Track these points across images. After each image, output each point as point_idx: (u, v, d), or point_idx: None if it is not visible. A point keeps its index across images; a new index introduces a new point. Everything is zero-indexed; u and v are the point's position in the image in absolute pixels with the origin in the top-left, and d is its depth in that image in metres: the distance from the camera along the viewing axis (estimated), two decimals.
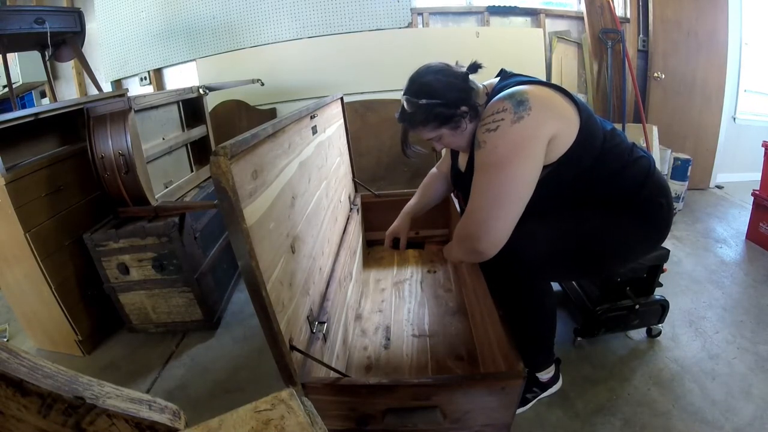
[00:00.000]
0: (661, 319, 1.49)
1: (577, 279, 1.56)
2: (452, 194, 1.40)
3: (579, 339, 1.51)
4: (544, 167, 0.97)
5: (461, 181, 1.26)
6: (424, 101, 1.02)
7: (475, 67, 1.05)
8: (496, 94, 1.00)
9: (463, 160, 1.27)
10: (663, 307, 1.46)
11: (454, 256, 1.18)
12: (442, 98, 1.02)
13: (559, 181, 1.01)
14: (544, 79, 2.89)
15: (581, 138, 0.97)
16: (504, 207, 0.94)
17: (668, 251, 1.39)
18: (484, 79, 1.12)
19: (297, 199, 1.14)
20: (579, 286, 1.57)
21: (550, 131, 0.94)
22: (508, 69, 1.14)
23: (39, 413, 0.42)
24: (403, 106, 1.08)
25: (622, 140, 1.08)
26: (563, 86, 1.02)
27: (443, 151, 1.50)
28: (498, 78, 1.13)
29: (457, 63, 1.10)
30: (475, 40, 2.86)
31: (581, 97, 3.00)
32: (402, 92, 1.08)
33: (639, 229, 1.08)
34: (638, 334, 1.55)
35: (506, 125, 0.92)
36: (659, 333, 1.52)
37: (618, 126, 2.64)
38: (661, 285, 1.50)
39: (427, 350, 1.41)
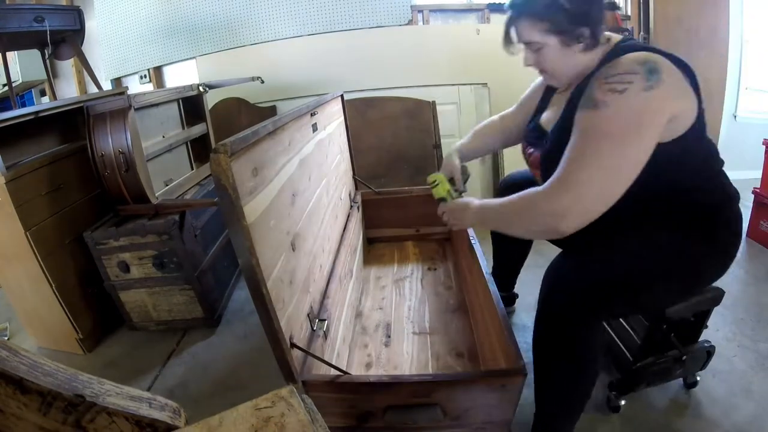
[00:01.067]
0: (704, 366, 1.27)
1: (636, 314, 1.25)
2: (527, 154, 1.16)
3: (614, 394, 1.24)
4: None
5: (541, 140, 1.08)
6: None
7: (613, 5, 0.96)
8: (619, 51, 0.88)
9: (550, 118, 1.09)
10: (709, 353, 1.25)
11: (503, 226, 0.98)
12: (572, 3, 0.87)
13: (658, 167, 0.85)
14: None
15: (696, 125, 0.87)
16: (610, 184, 0.81)
17: (722, 292, 1.13)
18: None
19: (297, 197, 1.14)
20: (617, 335, 1.32)
21: (675, 109, 0.82)
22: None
23: (39, 411, 0.42)
24: None
25: (716, 151, 0.98)
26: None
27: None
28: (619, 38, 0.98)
29: None
30: (476, 38, 2.84)
31: None
32: None
33: (708, 261, 0.96)
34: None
35: (635, 90, 0.78)
36: (696, 383, 1.29)
37: None
38: (707, 327, 1.24)
39: (427, 347, 1.41)
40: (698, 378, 1.29)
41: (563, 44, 0.91)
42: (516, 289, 1.73)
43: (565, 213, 0.82)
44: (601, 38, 0.92)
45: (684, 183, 0.91)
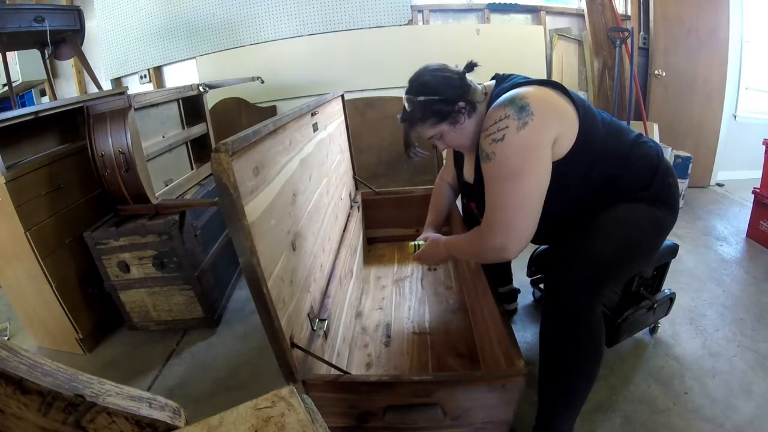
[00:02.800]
0: (668, 312, 1.49)
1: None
2: (469, 207, 1.37)
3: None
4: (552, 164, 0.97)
5: (472, 193, 1.25)
6: (422, 98, 1.05)
7: (471, 66, 1.07)
8: (495, 99, 0.99)
9: (468, 172, 1.25)
10: (671, 300, 1.46)
11: (466, 258, 1.17)
12: (440, 94, 1.03)
13: (568, 177, 1.00)
14: (543, 76, 2.90)
15: (582, 133, 0.97)
16: (526, 214, 0.94)
17: (677, 246, 1.36)
18: (482, 79, 1.12)
19: (298, 196, 1.14)
20: None
21: (554, 133, 0.93)
22: (501, 72, 1.14)
23: (39, 411, 0.42)
24: (404, 106, 1.10)
25: (622, 127, 1.09)
26: (561, 82, 1.01)
27: (444, 157, 1.50)
28: (494, 81, 1.12)
29: (456, 66, 1.10)
30: (476, 38, 2.85)
31: (582, 94, 2.99)
32: (404, 93, 1.11)
33: (662, 215, 1.06)
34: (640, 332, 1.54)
35: (512, 133, 0.91)
36: (657, 328, 1.52)
37: None
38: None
39: (427, 347, 1.42)
40: (659, 324, 1.52)
41: (452, 124, 1.06)
42: (515, 284, 1.72)
43: (503, 247, 0.97)
44: (478, 97, 1.06)
45: (612, 166, 1.03)
